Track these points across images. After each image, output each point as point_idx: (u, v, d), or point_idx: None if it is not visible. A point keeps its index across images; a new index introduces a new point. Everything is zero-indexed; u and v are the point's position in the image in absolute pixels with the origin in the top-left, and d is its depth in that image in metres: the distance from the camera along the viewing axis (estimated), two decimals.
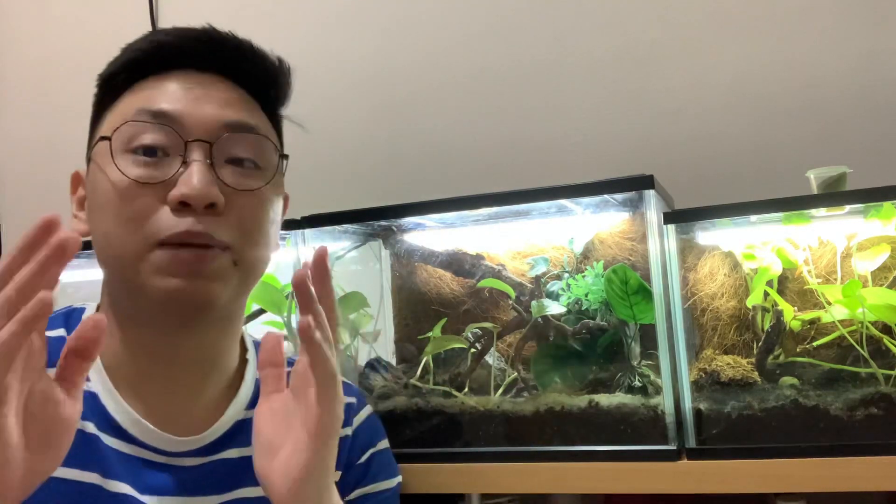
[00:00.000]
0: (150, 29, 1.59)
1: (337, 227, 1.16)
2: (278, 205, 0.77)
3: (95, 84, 0.77)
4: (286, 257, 1.14)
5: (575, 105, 1.41)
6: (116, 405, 0.72)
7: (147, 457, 0.72)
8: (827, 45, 1.29)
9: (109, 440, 0.71)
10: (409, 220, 1.15)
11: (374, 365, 1.17)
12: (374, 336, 1.25)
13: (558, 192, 1.01)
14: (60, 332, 0.75)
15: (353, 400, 0.88)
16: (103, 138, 0.71)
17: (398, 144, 1.51)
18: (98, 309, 0.77)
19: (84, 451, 0.68)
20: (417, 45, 1.51)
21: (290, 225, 1.10)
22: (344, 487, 0.83)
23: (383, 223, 1.17)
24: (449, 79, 1.48)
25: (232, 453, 0.77)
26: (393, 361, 1.22)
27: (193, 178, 0.68)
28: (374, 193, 1.47)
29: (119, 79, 0.74)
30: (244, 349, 0.83)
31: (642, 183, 0.96)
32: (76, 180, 0.78)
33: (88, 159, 0.74)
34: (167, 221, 0.68)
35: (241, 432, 0.77)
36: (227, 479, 0.76)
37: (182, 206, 0.68)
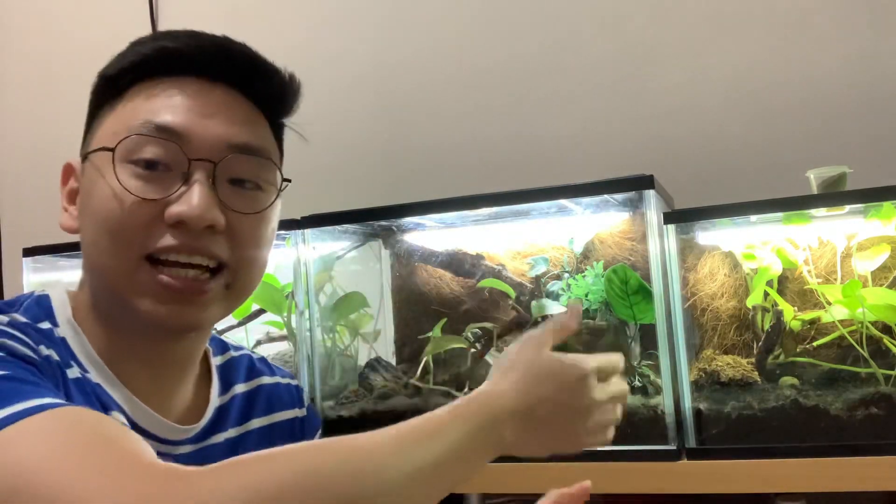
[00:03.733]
0: (149, 29, 1.60)
1: (337, 227, 1.16)
2: (275, 224, 0.77)
3: (96, 78, 0.74)
4: (286, 257, 1.14)
5: (575, 104, 1.41)
6: (121, 395, 0.71)
7: (154, 448, 0.72)
8: (826, 44, 1.29)
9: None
10: (409, 220, 1.15)
11: (374, 365, 1.17)
12: (374, 336, 1.25)
13: (558, 192, 1.01)
14: (46, 324, 0.72)
15: (295, 382, 0.92)
16: (105, 149, 0.69)
17: (398, 144, 1.51)
18: (70, 299, 0.75)
19: None
20: (417, 44, 1.51)
21: (290, 225, 1.10)
22: None
23: (383, 223, 1.17)
24: (448, 78, 1.48)
25: (218, 438, 0.79)
26: (393, 361, 1.22)
27: (194, 198, 0.67)
28: (374, 193, 1.47)
29: (123, 81, 0.72)
30: None
31: (642, 183, 0.96)
32: (68, 172, 0.76)
33: (84, 156, 0.73)
34: (161, 236, 0.67)
35: (220, 418, 0.80)
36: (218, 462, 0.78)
37: (179, 225, 0.67)
